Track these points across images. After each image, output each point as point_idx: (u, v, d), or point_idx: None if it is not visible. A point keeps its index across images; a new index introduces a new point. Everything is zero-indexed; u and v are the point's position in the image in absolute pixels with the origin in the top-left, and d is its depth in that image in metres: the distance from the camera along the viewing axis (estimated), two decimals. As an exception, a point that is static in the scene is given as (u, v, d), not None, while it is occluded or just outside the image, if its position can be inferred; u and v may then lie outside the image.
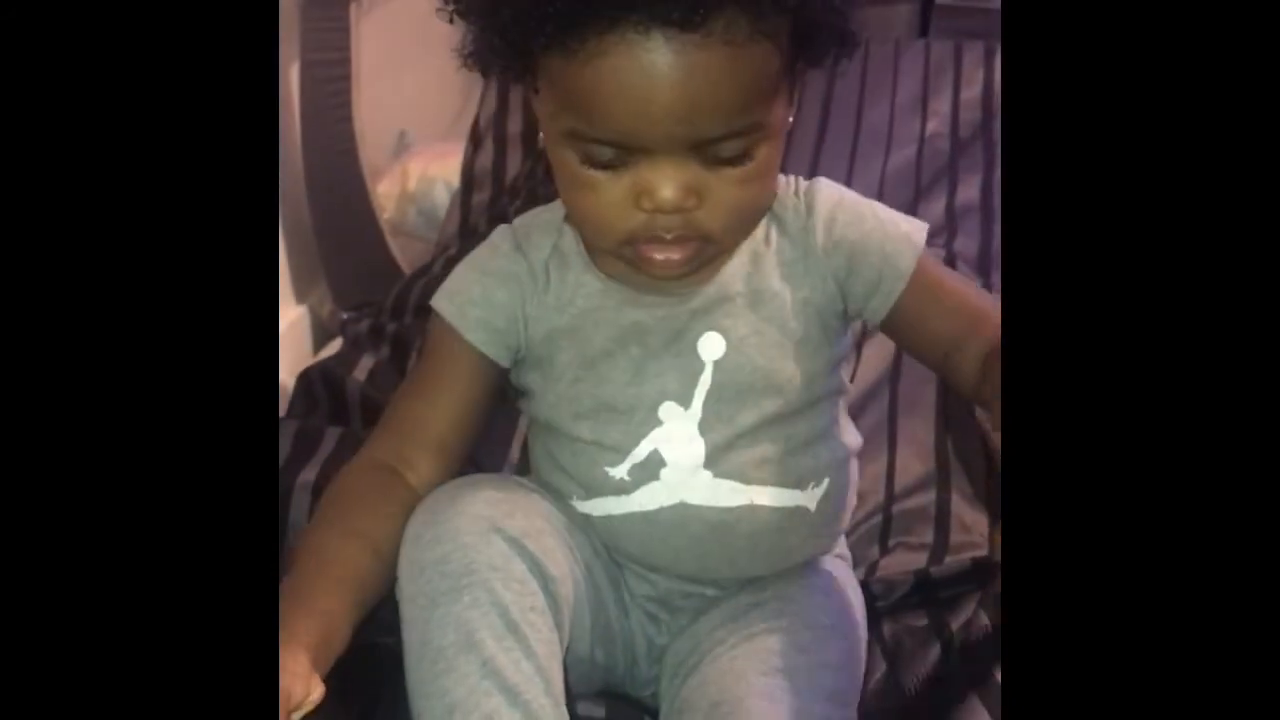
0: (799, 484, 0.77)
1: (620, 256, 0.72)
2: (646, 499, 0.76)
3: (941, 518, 0.98)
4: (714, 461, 0.75)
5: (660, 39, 0.61)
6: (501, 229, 0.80)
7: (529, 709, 0.65)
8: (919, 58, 1.61)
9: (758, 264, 0.75)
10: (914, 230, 0.76)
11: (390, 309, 1.24)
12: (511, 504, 0.72)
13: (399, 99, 1.83)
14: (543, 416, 0.80)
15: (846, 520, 0.83)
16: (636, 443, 0.76)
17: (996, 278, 1.24)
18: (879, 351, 1.14)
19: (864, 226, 0.75)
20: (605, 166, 0.67)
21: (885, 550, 0.96)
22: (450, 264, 1.34)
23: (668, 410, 0.75)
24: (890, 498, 1.00)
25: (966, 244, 1.30)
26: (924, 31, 2.43)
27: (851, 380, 1.09)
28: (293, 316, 1.54)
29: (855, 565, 0.88)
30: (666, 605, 0.80)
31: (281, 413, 1.08)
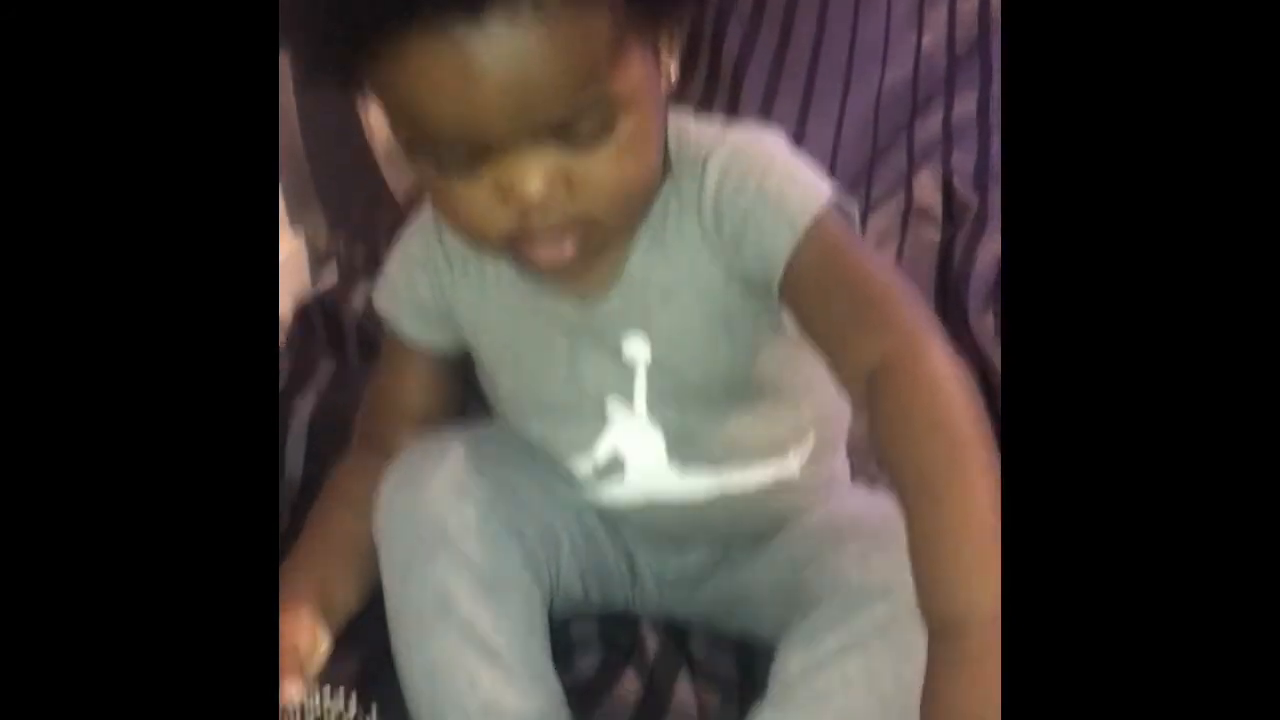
0: (778, 451, 0.72)
1: (505, 258, 0.65)
2: (615, 495, 0.75)
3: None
4: (677, 454, 0.71)
5: (463, 28, 0.54)
6: (428, 206, 0.74)
7: (509, 667, 0.66)
8: (915, -31, 1.57)
9: (664, 249, 0.67)
10: (800, 204, 0.64)
11: (384, 238, 1.23)
12: (483, 463, 0.71)
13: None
14: (497, 408, 0.78)
15: (841, 453, 0.79)
16: (592, 442, 0.72)
17: (994, 194, 1.23)
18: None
19: (744, 200, 0.64)
20: (461, 172, 0.59)
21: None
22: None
23: (614, 407, 0.71)
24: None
25: (963, 159, 1.29)
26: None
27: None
28: (290, 246, 1.54)
29: (854, 477, 0.87)
30: (672, 545, 0.79)
31: (281, 340, 1.09)
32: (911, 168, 1.28)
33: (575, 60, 0.56)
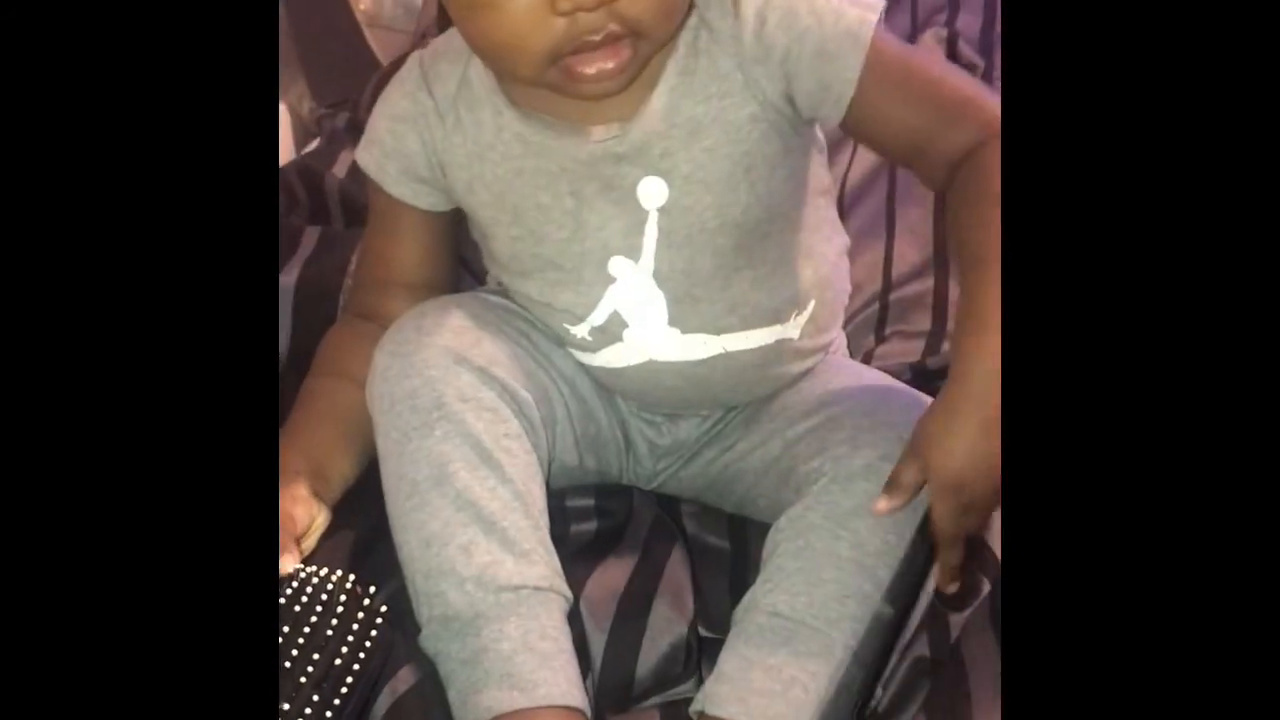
0: (778, 318, 0.73)
1: (544, 83, 0.63)
2: (611, 357, 0.73)
3: (939, 305, 0.96)
4: (679, 318, 0.71)
5: None
6: (411, 58, 0.73)
7: (505, 535, 0.65)
8: None
9: (690, 83, 0.66)
10: (859, 20, 0.64)
11: (367, 103, 1.19)
12: (478, 330, 0.70)
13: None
14: (492, 268, 0.76)
15: (838, 327, 0.80)
16: (592, 306, 0.71)
17: (998, 57, 1.19)
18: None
19: (798, 26, 0.64)
20: None
21: (881, 339, 0.95)
22: (430, 55, 1.31)
23: (618, 265, 0.70)
24: (887, 286, 0.98)
25: (969, 21, 1.23)
26: None
27: (849, 167, 1.07)
28: (271, 115, 1.50)
29: (851, 355, 0.87)
30: (666, 415, 0.79)
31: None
32: (915, 29, 1.23)
33: None
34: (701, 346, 0.72)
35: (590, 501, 0.76)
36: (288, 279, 0.89)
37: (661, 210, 0.68)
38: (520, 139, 0.69)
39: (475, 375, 0.68)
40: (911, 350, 0.93)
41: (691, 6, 0.66)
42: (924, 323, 0.95)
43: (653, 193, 0.68)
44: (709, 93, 0.66)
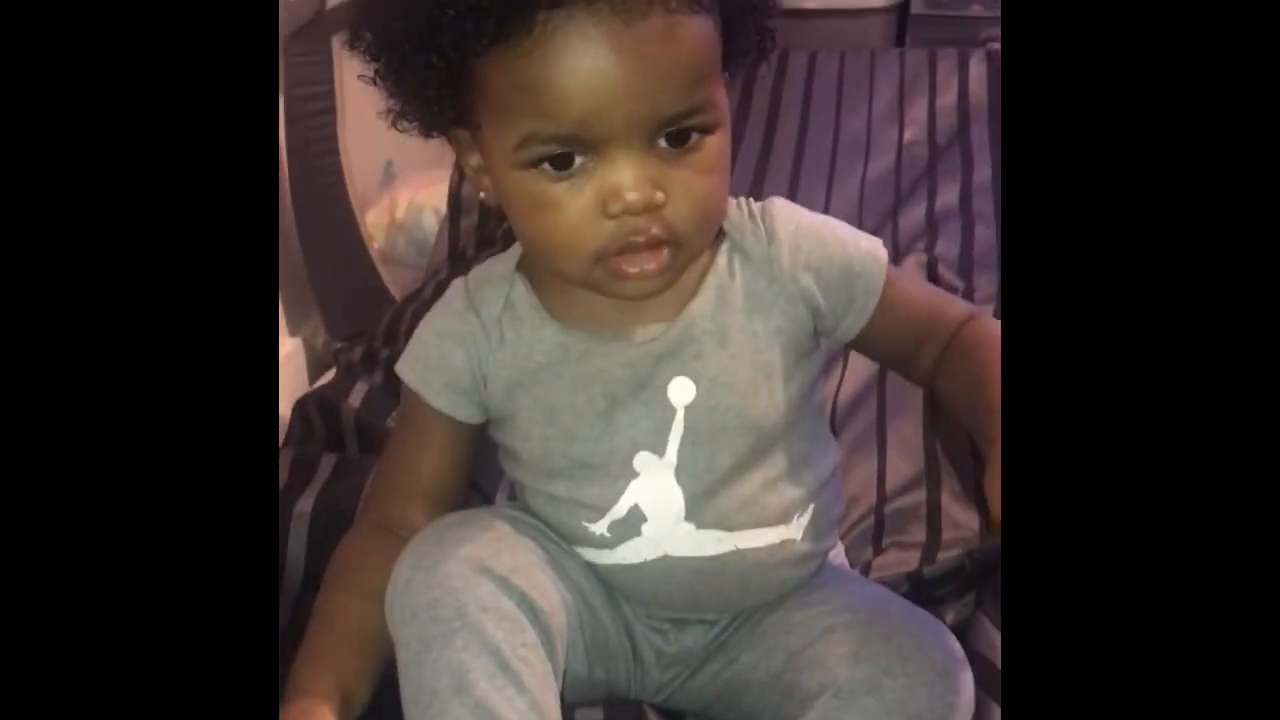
0: (783, 518, 0.76)
1: (592, 282, 0.69)
2: (629, 553, 0.76)
3: (933, 516, 0.99)
4: (695, 512, 0.74)
5: (606, 11, 0.61)
6: (456, 284, 0.78)
7: None
8: (894, 66, 1.62)
9: (724, 297, 0.73)
10: (875, 247, 0.76)
11: (383, 335, 1.25)
12: (498, 542, 0.72)
13: (384, 129, 1.82)
14: (517, 474, 0.79)
15: (835, 536, 0.83)
16: (615, 499, 0.74)
17: (979, 279, 1.26)
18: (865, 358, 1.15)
19: (829, 249, 0.75)
20: (562, 174, 0.65)
21: (879, 550, 0.97)
22: (440, 288, 1.36)
23: (643, 461, 0.73)
24: (882, 499, 1.01)
25: (948, 247, 1.31)
26: (900, 40, 2.46)
27: (839, 386, 1.11)
28: (288, 349, 1.55)
29: (851, 565, 0.90)
30: (672, 621, 0.80)
31: (280, 436, 1.09)
32: (897, 257, 1.30)
33: (694, 56, 0.64)
34: (715, 543, 0.74)
35: (599, 716, 0.77)
36: (304, 505, 0.91)
37: (688, 408, 0.73)
38: (562, 347, 0.74)
39: (496, 584, 0.69)
40: (909, 560, 0.95)
41: (722, 232, 0.74)
42: (919, 533, 0.98)
43: (683, 391, 0.73)
44: (740, 307, 0.74)
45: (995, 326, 0.73)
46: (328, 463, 0.97)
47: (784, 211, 0.75)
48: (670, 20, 0.62)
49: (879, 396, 1.10)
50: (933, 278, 1.27)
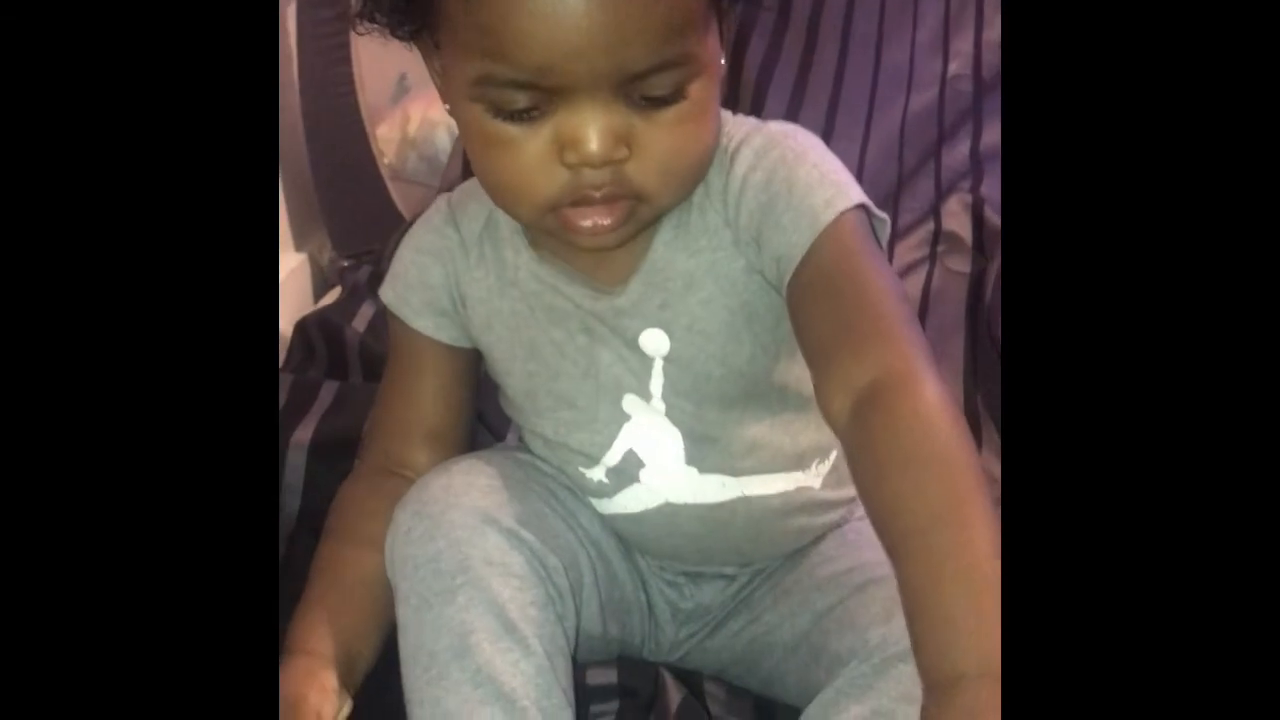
0: (799, 464, 0.71)
1: (542, 227, 0.64)
2: (629, 501, 0.72)
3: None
4: (696, 456, 0.69)
5: None
6: (439, 199, 0.74)
7: (526, 715, 0.62)
8: (939, -4, 1.54)
9: (684, 237, 0.66)
10: (824, 204, 0.62)
11: (389, 255, 1.19)
12: (507, 490, 0.68)
13: (399, 42, 1.78)
14: (509, 411, 0.75)
15: None
16: (607, 445, 0.70)
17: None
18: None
19: (771, 191, 0.63)
20: (520, 117, 0.58)
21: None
22: (453, 210, 1.32)
23: (631, 403, 0.69)
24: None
25: (994, 187, 1.25)
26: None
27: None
28: (292, 264, 1.51)
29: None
30: (686, 574, 0.77)
31: (280, 358, 1.05)
32: (939, 196, 1.24)
33: (669, 10, 0.56)
34: (720, 489, 0.70)
35: (614, 679, 0.72)
36: (303, 434, 0.87)
37: (666, 359, 0.68)
38: (536, 277, 0.69)
39: (504, 537, 0.65)
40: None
41: None
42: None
43: (655, 342, 0.68)
44: (699, 246, 0.66)
45: (930, 410, 0.54)
46: (329, 390, 0.92)
47: (757, 140, 0.65)
48: None
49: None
50: (978, 218, 1.21)
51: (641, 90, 0.58)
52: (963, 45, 1.47)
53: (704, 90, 0.60)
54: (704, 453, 0.69)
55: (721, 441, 0.69)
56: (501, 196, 0.63)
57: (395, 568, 0.67)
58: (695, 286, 0.66)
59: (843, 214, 0.62)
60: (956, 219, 1.21)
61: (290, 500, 0.85)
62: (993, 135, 1.34)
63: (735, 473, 0.70)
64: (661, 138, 0.59)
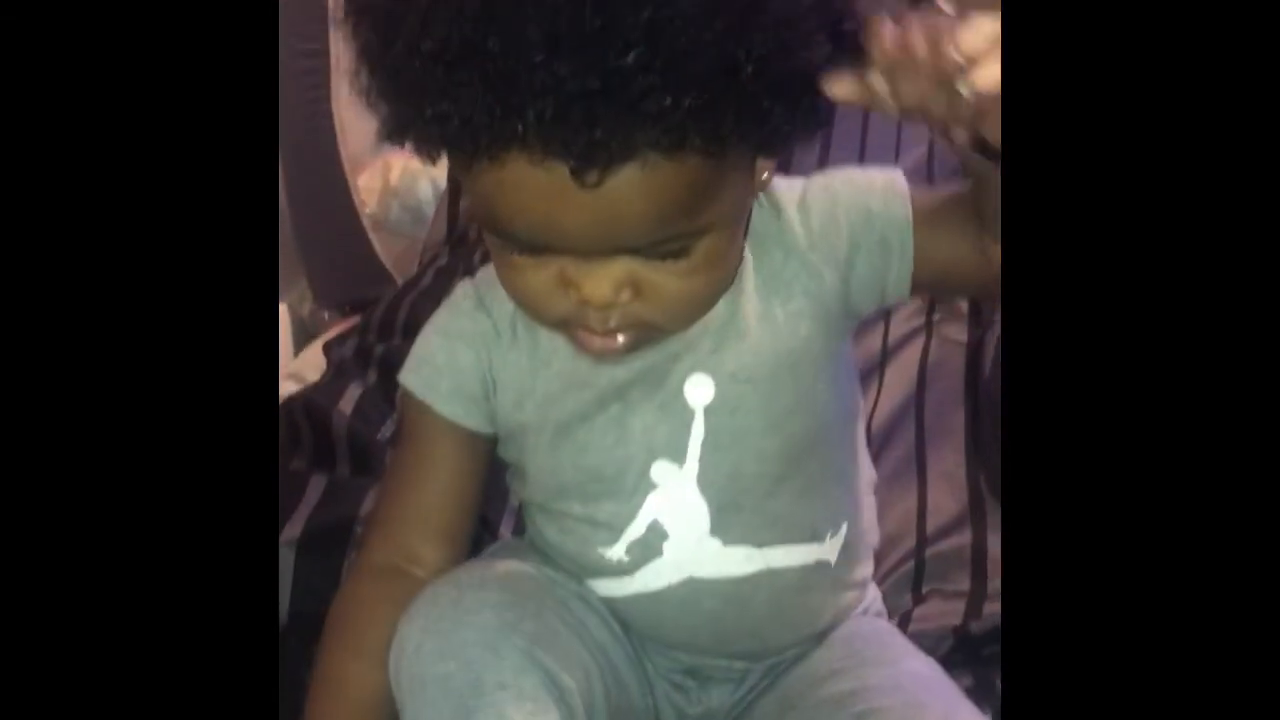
0: (815, 535, 0.71)
1: (557, 333, 0.66)
2: (651, 578, 0.70)
3: (978, 561, 0.92)
4: (721, 526, 0.68)
5: (560, 169, 0.54)
6: (464, 285, 0.73)
7: None
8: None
9: (739, 283, 0.67)
10: (889, 178, 0.67)
11: (377, 327, 1.17)
12: (520, 605, 0.65)
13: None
14: (525, 493, 0.74)
15: (870, 566, 0.78)
16: (632, 516, 0.69)
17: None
18: (900, 376, 1.08)
19: (839, 197, 0.67)
20: (529, 251, 0.60)
21: (919, 599, 0.90)
22: (440, 276, 1.30)
23: (661, 470, 0.68)
24: (922, 540, 0.93)
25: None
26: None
27: (874, 408, 1.04)
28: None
29: (889, 615, 0.83)
30: (694, 674, 0.75)
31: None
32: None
33: (669, 203, 0.57)
34: (745, 560, 0.69)
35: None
36: (290, 533, 0.84)
37: (708, 410, 0.67)
38: (573, 355, 0.68)
39: (518, 657, 0.63)
40: (952, 613, 0.88)
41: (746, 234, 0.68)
42: (963, 581, 0.91)
43: (700, 390, 0.68)
44: (755, 292, 0.68)
45: None
46: (316, 485, 0.90)
47: (784, 185, 0.68)
48: (641, 180, 0.55)
49: (918, 420, 1.03)
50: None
51: (646, 250, 0.59)
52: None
53: (713, 244, 0.60)
54: (730, 522, 0.68)
55: (748, 509, 0.68)
56: (518, 306, 0.66)
57: (402, 685, 0.64)
58: (745, 333, 0.67)
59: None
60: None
61: (279, 603, 0.82)
62: (986, 196, 1.33)
63: (760, 544, 0.69)
64: (669, 285, 0.60)
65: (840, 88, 0.55)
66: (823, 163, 1.38)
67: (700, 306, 0.64)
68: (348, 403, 1.01)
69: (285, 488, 0.88)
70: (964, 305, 1.19)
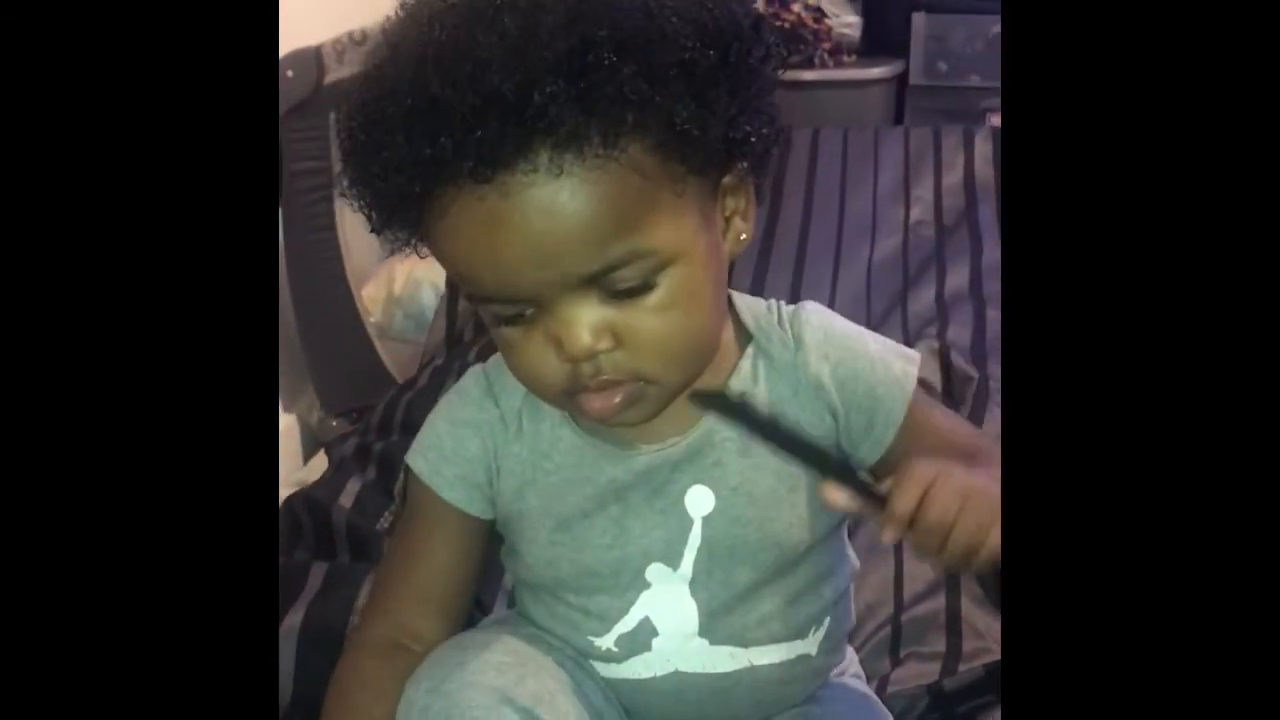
0: (800, 634, 0.73)
1: (569, 410, 0.68)
2: (639, 667, 0.72)
3: (953, 624, 0.95)
4: (709, 628, 0.70)
5: (487, 186, 0.57)
6: (473, 372, 0.75)
7: None
8: (898, 144, 1.61)
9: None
10: (905, 370, 0.71)
11: (376, 426, 1.22)
12: (521, 667, 0.68)
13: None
14: (519, 574, 0.76)
15: (846, 647, 0.80)
16: (624, 611, 0.71)
17: (993, 367, 1.23)
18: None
19: (856, 365, 0.70)
20: (515, 321, 0.62)
21: (897, 662, 0.93)
22: (436, 375, 1.35)
23: (655, 572, 0.70)
24: (899, 606, 0.97)
25: (960, 333, 1.29)
26: (899, 110, 2.47)
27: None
28: (282, 426, 1.52)
29: (867, 679, 0.85)
30: None
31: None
32: (908, 343, 1.27)
33: (600, 216, 0.58)
34: (729, 659, 0.71)
35: None
36: (293, 620, 0.87)
37: (706, 519, 0.69)
38: (576, 450, 0.70)
39: (521, 717, 0.65)
40: (928, 673, 0.91)
41: (750, 335, 0.71)
42: (939, 643, 0.94)
43: (701, 501, 0.69)
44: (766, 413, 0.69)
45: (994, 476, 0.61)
46: (318, 572, 0.93)
47: (814, 318, 0.71)
48: (567, 184, 0.57)
49: (893, 494, 1.06)
50: (945, 365, 1.23)
51: (610, 285, 0.60)
52: (923, 193, 1.52)
53: (680, 277, 0.61)
54: (718, 625, 0.70)
55: (738, 613, 0.70)
56: (523, 383, 0.67)
57: None
58: (749, 451, 0.69)
59: (916, 376, 0.71)
60: (925, 365, 1.22)
61: (282, 688, 0.84)
62: (957, 280, 1.38)
63: (745, 644, 0.71)
64: (645, 325, 0.61)
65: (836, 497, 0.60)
66: (802, 244, 1.45)
67: (686, 349, 0.64)
68: (348, 497, 1.05)
69: (288, 576, 0.91)
70: (938, 386, 1.23)
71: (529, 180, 0.56)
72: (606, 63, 0.56)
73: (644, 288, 0.60)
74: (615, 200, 0.58)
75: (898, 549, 1.01)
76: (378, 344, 1.67)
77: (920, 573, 0.99)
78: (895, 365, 0.71)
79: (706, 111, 0.59)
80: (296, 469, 1.43)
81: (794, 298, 1.24)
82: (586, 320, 0.60)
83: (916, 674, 0.91)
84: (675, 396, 0.66)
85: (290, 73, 1.45)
